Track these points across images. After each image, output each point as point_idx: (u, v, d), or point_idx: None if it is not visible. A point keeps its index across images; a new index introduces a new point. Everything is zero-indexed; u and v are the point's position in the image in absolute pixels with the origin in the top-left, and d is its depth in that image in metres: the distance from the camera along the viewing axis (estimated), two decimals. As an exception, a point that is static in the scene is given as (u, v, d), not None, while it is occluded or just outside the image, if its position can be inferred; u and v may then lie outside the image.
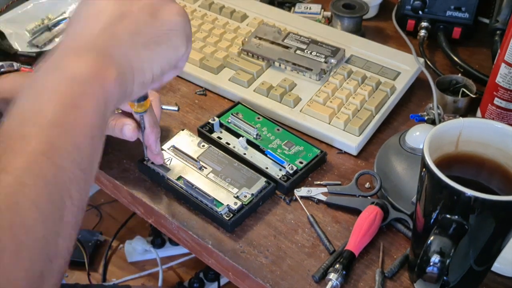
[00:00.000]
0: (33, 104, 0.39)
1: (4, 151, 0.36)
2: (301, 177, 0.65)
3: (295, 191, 0.64)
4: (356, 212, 0.61)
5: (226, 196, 0.62)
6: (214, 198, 0.61)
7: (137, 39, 0.44)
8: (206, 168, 0.65)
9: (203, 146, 0.67)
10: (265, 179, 0.63)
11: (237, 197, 0.62)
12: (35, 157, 0.36)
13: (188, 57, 0.50)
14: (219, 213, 0.60)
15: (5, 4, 0.94)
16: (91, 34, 0.43)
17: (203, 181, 0.63)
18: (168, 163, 0.65)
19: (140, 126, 0.60)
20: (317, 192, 0.64)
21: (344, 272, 0.55)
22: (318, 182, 0.65)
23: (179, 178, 0.64)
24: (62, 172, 0.37)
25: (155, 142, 0.62)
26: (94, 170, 0.41)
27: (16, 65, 0.70)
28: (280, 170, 0.65)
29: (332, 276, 0.55)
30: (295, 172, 0.65)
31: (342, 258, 0.56)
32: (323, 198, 0.63)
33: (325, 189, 0.64)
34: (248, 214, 0.62)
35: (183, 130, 0.70)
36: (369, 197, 0.62)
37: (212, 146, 0.67)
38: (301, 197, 0.64)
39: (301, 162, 0.66)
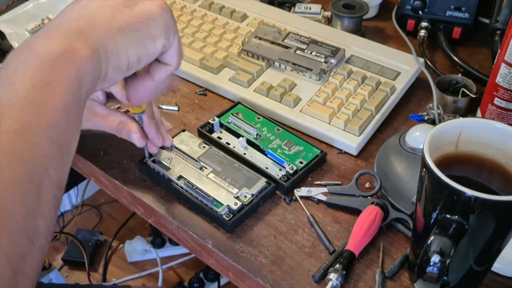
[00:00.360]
0: (3, 85, 0.38)
1: None
2: (301, 177, 0.66)
3: (295, 191, 0.64)
4: (356, 212, 0.61)
5: (226, 196, 0.62)
6: (214, 199, 0.61)
7: (113, 24, 0.44)
8: (206, 168, 0.65)
9: (204, 147, 0.67)
10: (265, 180, 0.63)
11: (237, 197, 0.62)
12: (9, 137, 0.36)
13: (177, 52, 0.49)
14: (219, 213, 0.60)
15: (5, 4, 0.94)
16: (64, 21, 0.43)
17: (203, 181, 0.63)
18: (168, 162, 0.65)
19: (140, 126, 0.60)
20: (317, 192, 0.64)
21: (344, 272, 0.55)
22: (318, 182, 0.65)
23: (180, 178, 0.64)
24: (38, 150, 0.37)
25: (156, 135, 0.62)
26: (72, 148, 0.40)
27: None
28: (280, 170, 0.65)
29: (332, 276, 0.55)
30: (295, 172, 0.65)
31: (342, 258, 0.56)
32: (323, 198, 0.63)
33: (325, 189, 0.64)
34: (248, 214, 0.62)
35: (183, 131, 0.70)
36: (369, 197, 0.62)
37: (213, 147, 0.67)
38: (301, 197, 0.64)
39: (301, 162, 0.66)
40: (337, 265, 0.55)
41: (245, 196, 0.62)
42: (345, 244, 0.58)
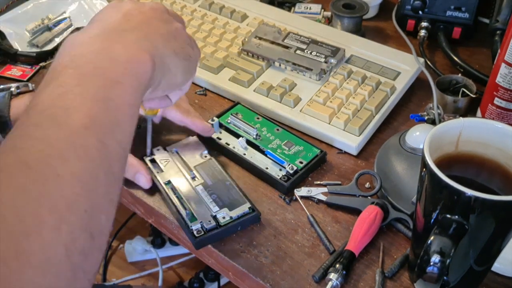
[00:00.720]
0: (75, 76, 0.39)
1: (46, 121, 0.36)
2: (301, 177, 0.65)
3: (295, 191, 0.64)
4: (356, 212, 0.61)
5: (204, 212, 0.60)
6: (192, 212, 0.60)
7: (169, 45, 0.48)
8: (198, 179, 0.64)
9: (205, 157, 0.66)
10: (249, 205, 0.60)
11: (214, 217, 0.59)
12: (78, 130, 0.36)
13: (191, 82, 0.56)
14: (190, 227, 0.58)
15: (5, 4, 0.94)
16: (128, 24, 0.46)
17: (189, 192, 0.62)
18: (164, 164, 0.65)
19: (146, 126, 0.64)
20: (317, 192, 0.64)
21: (344, 272, 0.55)
22: (318, 182, 0.65)
23: (168, 182, 0.63)
24: (105, 148, 0.37)
25: (202, 124, 0.68)
26: (129, 149, 0.41)
27: (31, 86, 0.70)
28: (280, 170, 0.65)
29: (332, 276, 0.55)
30: (295, 172, 0.65)
31: (342, 258, 0.56)
32: (323, 198, 0.63)
33: (325, 189, 0.64)
34: (221, 236, 0.59)
35: (192, 136, 0.69)
36: (369, 197, 0.62)
37: (213, 159, 0.66)
38: (301, 197, 0.64)
39: (301, 162, 0.66)
40: (337, 265, 0.55)
41: (223, 217, 0.59)
42: (345, 244, 0.58)
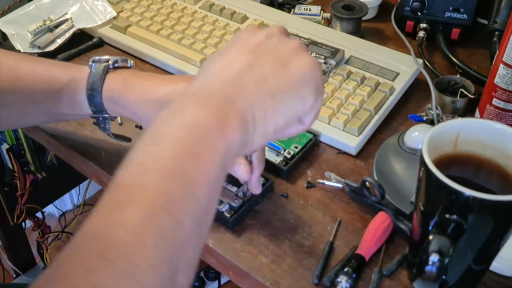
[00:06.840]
0: (152, 151, 0.37)
1: (123, 202, 0.35)
2: (298, 161, 0.67)
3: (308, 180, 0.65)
4: (359, 212, 0.62)
5: (225, 195, 0.62)
6: None
7: (263, 87, 0.42)
8: None
9: None
10: (262, 177, 0.64)
11: (236, 195, 0.62)
12: (155, 211, 0.34)
13: (316, 114, 0.46)
14: (220, 210, 0.60)
15: (7, 5, 0.94)
16: (215, 84, 0.42)
17: None
18: None
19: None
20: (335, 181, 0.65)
21: (354, 275, 0.55)
22: (338, 178, 0.66)
23: None
24: (181, 228, 0.35)
25: (257, 178, 0.58)
26: (210, 224, 0.39)
27: (130, 62, 0.64)
28: (278, 155, 0.67)
29: (341, 278, 0.55)
30: (293, 156, 0.67)
31: (352, 261, 0.56)
32: (339, 185, 0.65)
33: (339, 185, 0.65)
34: (249, 211, 0.62)
35: None
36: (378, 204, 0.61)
37: None
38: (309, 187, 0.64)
39: (296, 147, 0.68)
40: (347, 268, 0.55)
41: (245, 195, 0.62)
42: (355, 248, 0.58)
